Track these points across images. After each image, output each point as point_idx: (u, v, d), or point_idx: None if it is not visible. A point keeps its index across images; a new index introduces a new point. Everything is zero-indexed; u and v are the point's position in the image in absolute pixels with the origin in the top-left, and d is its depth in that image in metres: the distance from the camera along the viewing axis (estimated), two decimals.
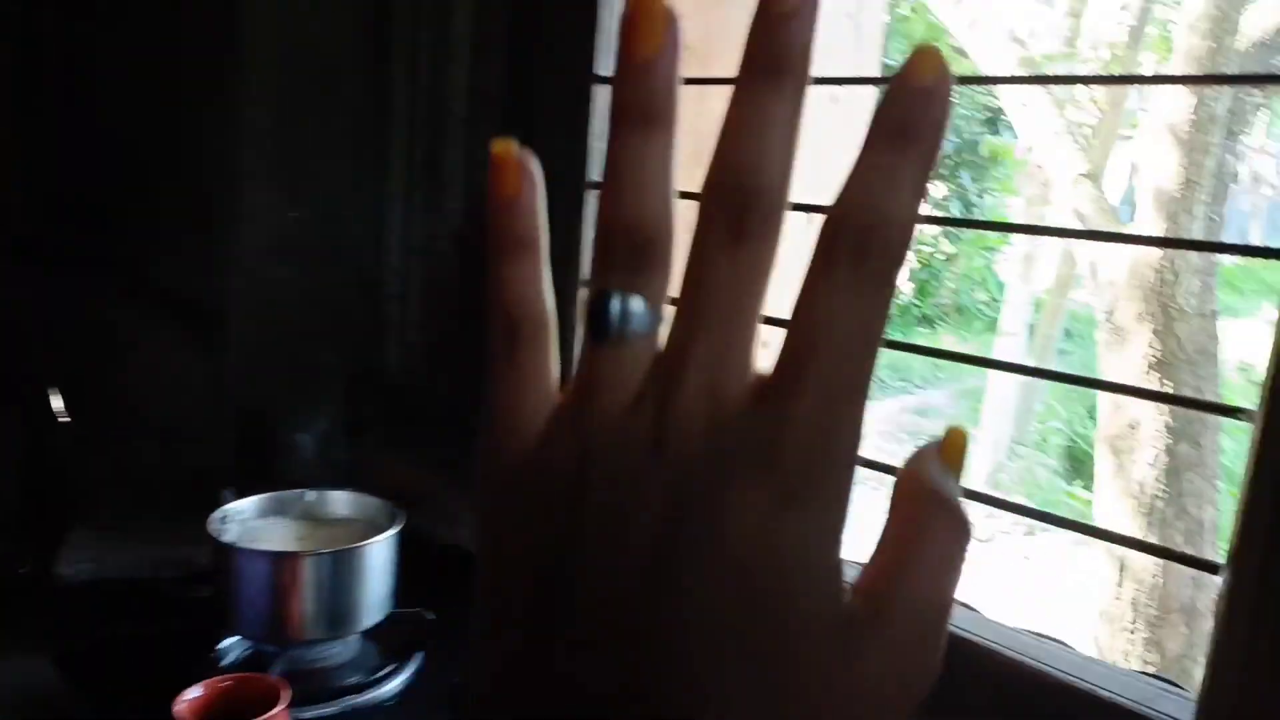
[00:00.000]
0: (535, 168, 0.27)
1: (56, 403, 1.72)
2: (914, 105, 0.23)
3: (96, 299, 1.72)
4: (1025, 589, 4.11)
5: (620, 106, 0.26)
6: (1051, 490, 5.67)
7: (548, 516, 0.26)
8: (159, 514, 1.29)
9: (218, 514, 1.05)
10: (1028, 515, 0.93)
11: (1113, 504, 2.57)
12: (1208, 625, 2.58)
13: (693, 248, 0.25)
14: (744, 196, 0.24)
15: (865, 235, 0.23)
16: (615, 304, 0.25)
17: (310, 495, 1.12)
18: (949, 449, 0.25)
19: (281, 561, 1.00)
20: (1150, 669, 2.43)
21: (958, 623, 0.96)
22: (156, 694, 0.90)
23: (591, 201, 1.19)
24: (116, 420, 1.56)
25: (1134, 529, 2.50)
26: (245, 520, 1.08)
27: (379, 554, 1.04)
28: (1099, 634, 2.61)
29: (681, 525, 0.24)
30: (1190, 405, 0.76)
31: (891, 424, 6.54)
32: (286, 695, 0.89)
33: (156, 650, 1.08)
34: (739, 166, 0.24)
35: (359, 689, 1.03)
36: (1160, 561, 2.46)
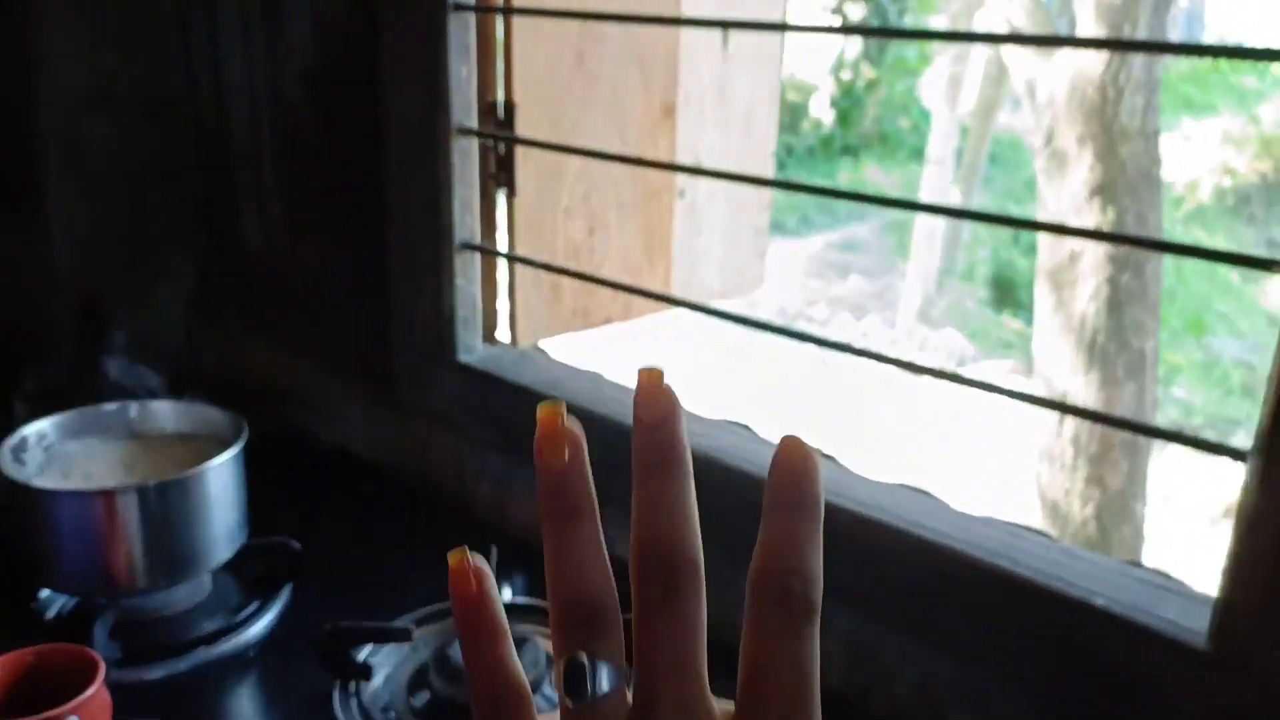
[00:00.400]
0: (489, 578, 0.31)
1: None
2: (794, 485, 0.30)
3: None
4: (964, 426, 4.08)
5: (548, 507, 0.31)
6: (981, 320, 5.64)
7: None
8: None
9: (13, 440, 0.85)
10: (1039, 404, 0.77)
11: (1053, 339, 2.47)
12: (1149, 461, 2.53)
13: (635, 610, 0.30)
14: (667, 562, 0.30)
15: (785, 585, 0.29)
16: (585, 670, 0.29)
17: (134, 409, 0.92)
18: None
19: (95, 502, 0.81)
20: (1092, 504, 2.39)
21: (919, 518, 0.82)
22: None
23: (454, 21, 0.96)
24: None
25: (1075, 364, 2.41)
26: (52, 445, 0.88)
27: (221, 478, 0.85)
28: (1041, 471, 2.56)
29: None
30: (1228, 260, 0.59)
31: (818, 261, 6.42)
32: (101, 670, 0.71)
33: None
34: (657, 539, 0.30)
35: (212, 638, 0.86)
36: (1102, 396, 2.38)
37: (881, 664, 0.83)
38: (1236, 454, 0.63)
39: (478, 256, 1.06)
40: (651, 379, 0.30)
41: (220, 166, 1.34)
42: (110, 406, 0.91)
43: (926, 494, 0.88)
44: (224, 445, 0.88)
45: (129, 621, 0.86)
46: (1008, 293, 5.81)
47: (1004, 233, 5.99)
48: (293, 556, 0.91)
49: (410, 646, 0.87)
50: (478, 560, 0.31)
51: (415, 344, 1.10)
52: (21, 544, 0.84)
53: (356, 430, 1.23)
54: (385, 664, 0.85)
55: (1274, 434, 0.61)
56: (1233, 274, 5.45)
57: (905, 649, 0.82)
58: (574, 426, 0.31)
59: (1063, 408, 0.89)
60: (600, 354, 1.22)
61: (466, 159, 1.02)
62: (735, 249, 1.21)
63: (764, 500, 0.30)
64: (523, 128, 1.04)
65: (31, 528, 0.82)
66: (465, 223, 1.04)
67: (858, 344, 0.95)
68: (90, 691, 0.70)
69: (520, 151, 1.05)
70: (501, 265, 1.09)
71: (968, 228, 6.16)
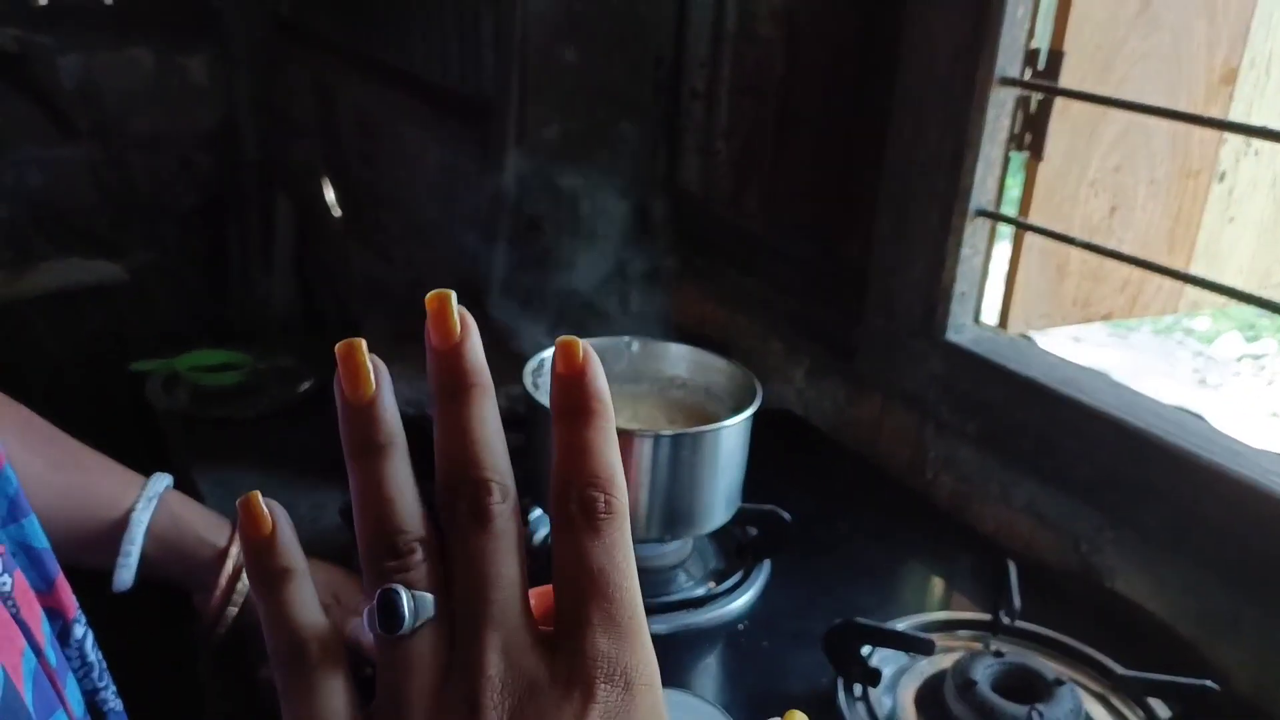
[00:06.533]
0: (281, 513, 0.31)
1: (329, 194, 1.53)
2: (573, 389, 0.30)
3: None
4: None
5: (355, 441, 0.30)
6: None
7: None
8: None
9: (534, 362, 0.81)
10: None
11: None
12: None
13: (448, 536, 0.30)
14: (475, 486, 0.29)
15: (584, 494, 0.29)
16: (402, 601, 0.29)
17: (635, 345, 0.86)
18: None
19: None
20: None
21: (1182, 435, 0.66)
22: None
23: None
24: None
25: None
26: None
27: (735, 437, 0.78)
28: None
29: None
30: None
31: None
32: None
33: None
34: (463, 463, 0.29)
35: (698, 604, 0.79)
36: None
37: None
38: None
39: (989, 226, 0.94)
40: (441, 301, 0.30)
41: (668, 100, 1.28)
42: (617, 339, 0.86)
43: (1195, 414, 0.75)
44: (719, 398, 0.82)
45: None
46: None
47: None
48: (781, 528, 0.84)
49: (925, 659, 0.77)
50: (271, 505, 0.30)
51: (894, 313, 1.00)
52: (524, 462, 0.80)
53: (795, 392, 1.15)
54: (888, 667, 0.76)
55: None
56: None
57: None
58: (383, 366, 0.30)
59: None
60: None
61: (1001, 113, 0.91)
62: (1269, 246, 1.03)
63: (552, 409, 0.30)
64: (1065, 82, 0.91)
65: (538, 450, 0.79)
66: (986, 186, 0.92)
67: None
68: None
69: (1056, 111, 0.92)
70: (999, 242, 0.97)
71: None
